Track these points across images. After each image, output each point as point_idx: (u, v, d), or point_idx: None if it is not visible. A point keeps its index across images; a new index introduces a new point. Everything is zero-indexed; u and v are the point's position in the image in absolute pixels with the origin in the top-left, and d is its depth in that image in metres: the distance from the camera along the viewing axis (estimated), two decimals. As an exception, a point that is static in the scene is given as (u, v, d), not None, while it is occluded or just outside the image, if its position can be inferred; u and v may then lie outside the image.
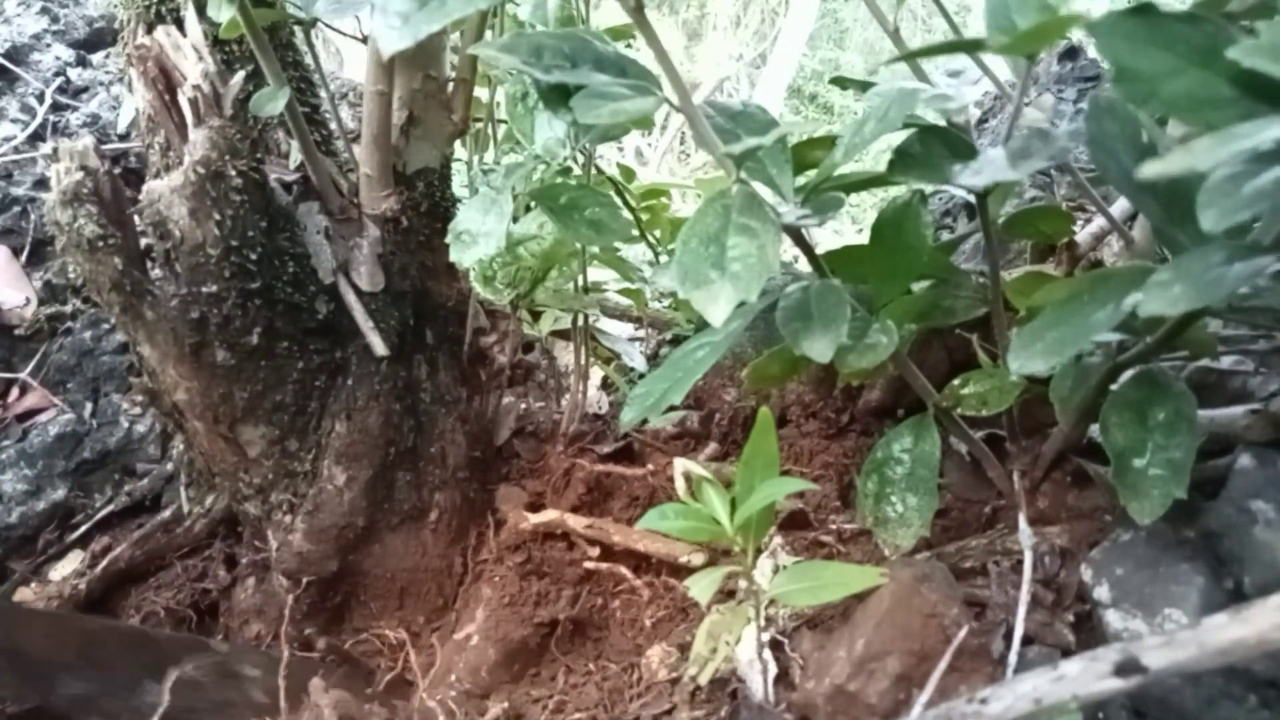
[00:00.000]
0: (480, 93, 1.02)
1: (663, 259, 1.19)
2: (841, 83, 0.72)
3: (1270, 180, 0.38)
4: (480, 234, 0.64)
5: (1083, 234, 0.91)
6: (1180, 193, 0.48)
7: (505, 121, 1.13)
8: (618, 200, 0.98)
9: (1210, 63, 0.42)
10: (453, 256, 0.66)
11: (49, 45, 1.46)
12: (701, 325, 0.71)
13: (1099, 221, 0.91)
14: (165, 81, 0.77)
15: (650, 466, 1.02)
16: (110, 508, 1.08)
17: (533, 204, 0.83)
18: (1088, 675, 0.40)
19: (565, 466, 1.03)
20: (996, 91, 0.65)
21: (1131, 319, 0.48)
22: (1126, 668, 0.39)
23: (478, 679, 0.87)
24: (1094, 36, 0.43)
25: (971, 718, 0.43)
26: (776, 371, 0.81)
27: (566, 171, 0.82)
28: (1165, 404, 0.60)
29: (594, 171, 0.97)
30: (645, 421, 1.13)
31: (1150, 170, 0.36)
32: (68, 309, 1.20)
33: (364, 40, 0.88)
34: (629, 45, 1.00)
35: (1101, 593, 0.62)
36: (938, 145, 0.61)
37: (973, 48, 0.54)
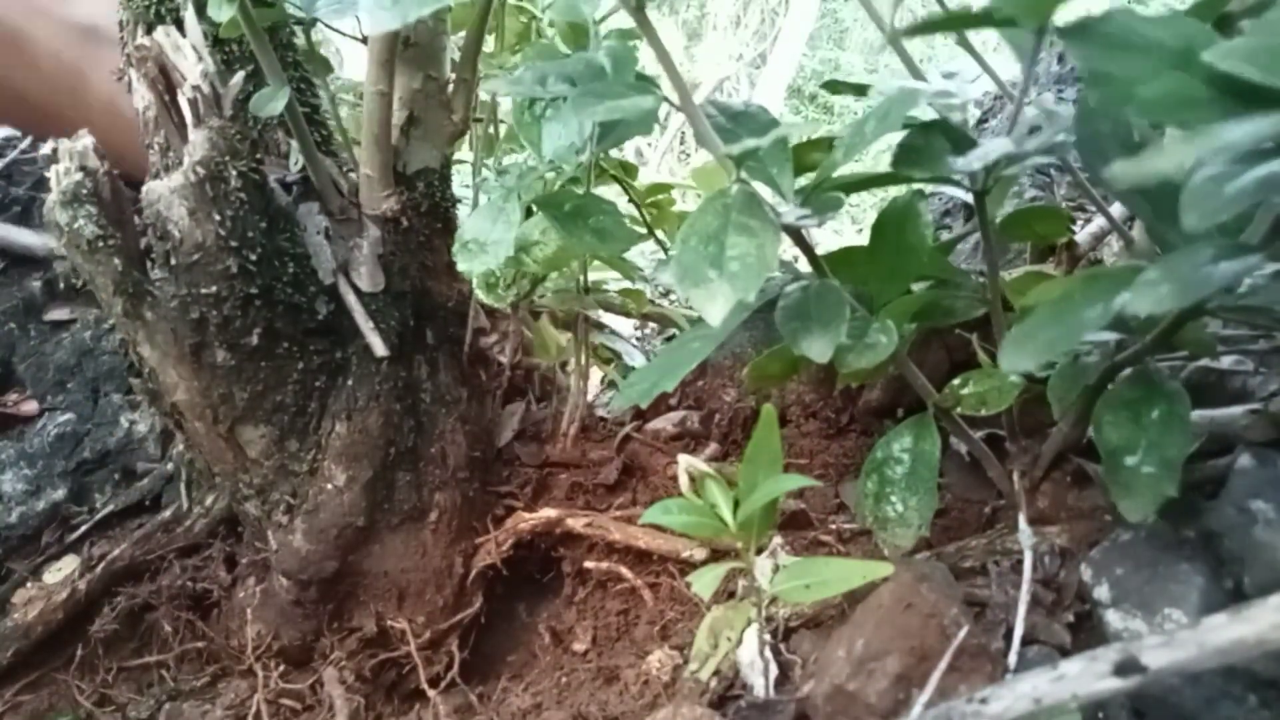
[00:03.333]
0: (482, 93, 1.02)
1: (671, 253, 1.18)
2: (835, 87, 0.71)
3: (1252, 180, 0.38)
4: (489, 243, 0.63)
5: (1083, 234, 0.91)
6: (1169, 193, 0.48)
7: (506, 122, 1.13)
8: (622, 201, 0.98)
9: (1187, 65, 0.41)
10: (460, 266, 0.65)
11: (49, 46, 1.46)
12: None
13: (1099, 221, 0.91)
14: (165, 82, 0.77)
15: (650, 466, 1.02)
16: (110, 507, 1.08)
17: (534, 209, 0.82)
18: (1087, 675, 0.40)
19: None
20: (996, 92, 0.65)
21: (1129, 318, 0.48)
22: (1126, 667, 0.39)
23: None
24: (1065, 41, 0.43)
25: (971, 717, 0.43)
26: (776, 371, 0.81)
27: (576, 180, 0.82)
28: (1159, 403, 0.60)
29: (597, 171, 0.97)
30: (645, 423, 1.14)
31: (1119, 170, 0.36)
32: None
33: (363, 41, 0.88)
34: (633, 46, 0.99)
35: (1101, 593, 0.62)
36: (940, 139, 0.61)
37: (982, 22, 0.53)
